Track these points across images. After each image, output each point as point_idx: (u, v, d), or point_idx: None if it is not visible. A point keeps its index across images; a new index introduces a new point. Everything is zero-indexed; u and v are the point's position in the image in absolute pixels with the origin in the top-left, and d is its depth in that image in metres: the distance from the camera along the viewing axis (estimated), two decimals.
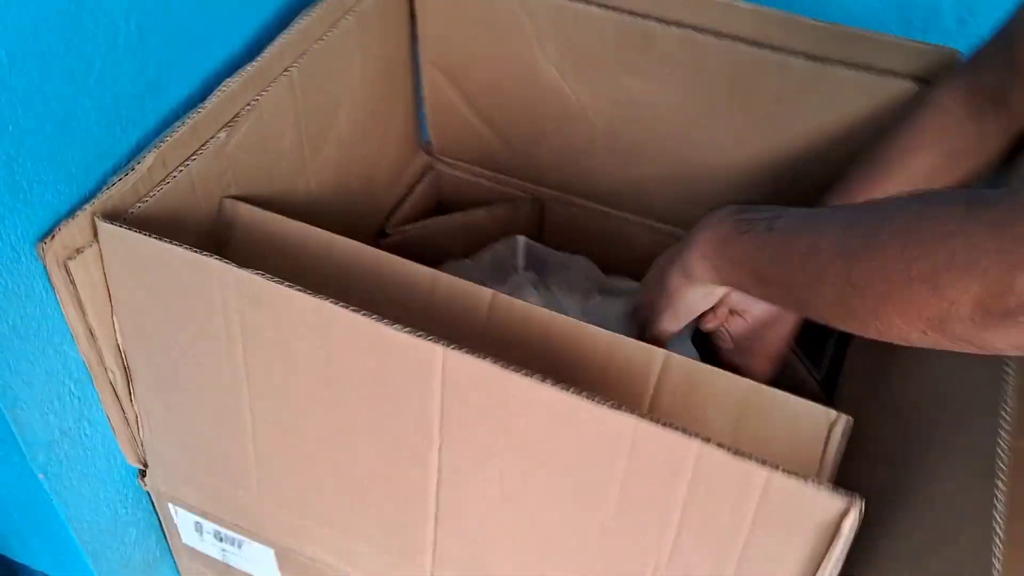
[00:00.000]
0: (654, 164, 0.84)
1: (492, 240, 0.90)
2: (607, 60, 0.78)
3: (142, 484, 0.68)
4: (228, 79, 0.61)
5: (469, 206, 0.91)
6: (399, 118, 0.87)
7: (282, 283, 0.48)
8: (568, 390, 0.44)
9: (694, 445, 0.43)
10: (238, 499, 0.62)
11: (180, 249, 0.50)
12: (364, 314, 0.47)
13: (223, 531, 0.67)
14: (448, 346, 0.46)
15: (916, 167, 0.66)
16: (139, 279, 0.54)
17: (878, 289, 0.43)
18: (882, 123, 0.71)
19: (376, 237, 0.84)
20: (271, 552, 0.66)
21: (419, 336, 0.46)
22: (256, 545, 0.66)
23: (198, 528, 0.68)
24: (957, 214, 0.41)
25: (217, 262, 0.50)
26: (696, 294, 0.61)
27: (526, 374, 0.45)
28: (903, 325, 0.43)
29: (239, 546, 0.67)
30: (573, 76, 0.81)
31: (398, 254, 0.84)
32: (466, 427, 0.49)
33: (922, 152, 0.66)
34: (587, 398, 0.44)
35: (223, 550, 0.69)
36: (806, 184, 0.77)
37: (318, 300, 0.48)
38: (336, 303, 0.47)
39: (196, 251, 0.50)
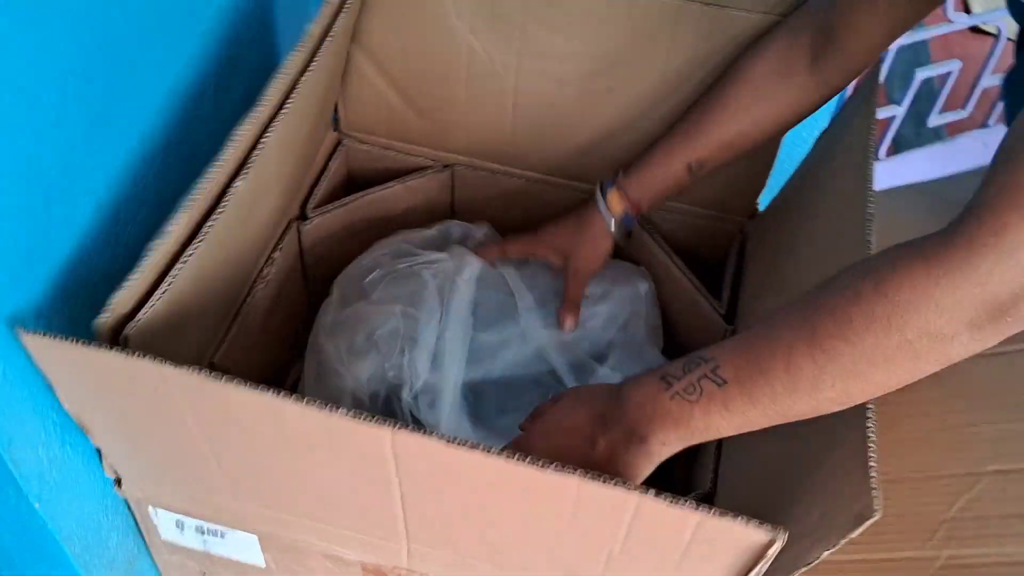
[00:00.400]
0: (561, 120, 0.90)
1: (408, 211, 0.95)
2: (516, 14, 0.83)
3: (119, 492, 0.71)
4: None
5: (380, 180, 0.94)
6: None
7: (219, 379, 0.50)
8: (512, 459, 0.47)
9: (633, 497, 0.48)
10: (216, 502, 0.67)
11: (120, 356, 0.51)
12: (309, 403, 0.49)
13: (205, 525, 0.72)
14: (395, 427, 0.49)
15: (723, 132, 0.78)
16: (82, 381, 0.57)
17: (882, 368, 0.48)
18: None
19: (298, 222, 0.87)
20: (254, 538, 0.71)
21: (366, 421, 0.49)
22: (239, 533, 0.71)
23: (179, 525, 0.73)
24: (919, 272, 0.45)
25: (153, 364, 0.51)
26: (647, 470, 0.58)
27: (472, 447, 0.48)
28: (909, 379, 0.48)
29: (222, 536, 0.72)
30: (484, 33, 0.85)
31: (319, 238, 0.89)
32: (423, 494, 0.54)
33: (730, 121, 0.77)
34: (530, 465, 0.47)
35: (205, 541, 0.73)
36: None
37: (259, 395, 0.50)
38: (278, 394, 0.49)
39: (129, 354, 0.51)
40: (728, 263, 0.91)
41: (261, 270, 0.81)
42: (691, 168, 0.80)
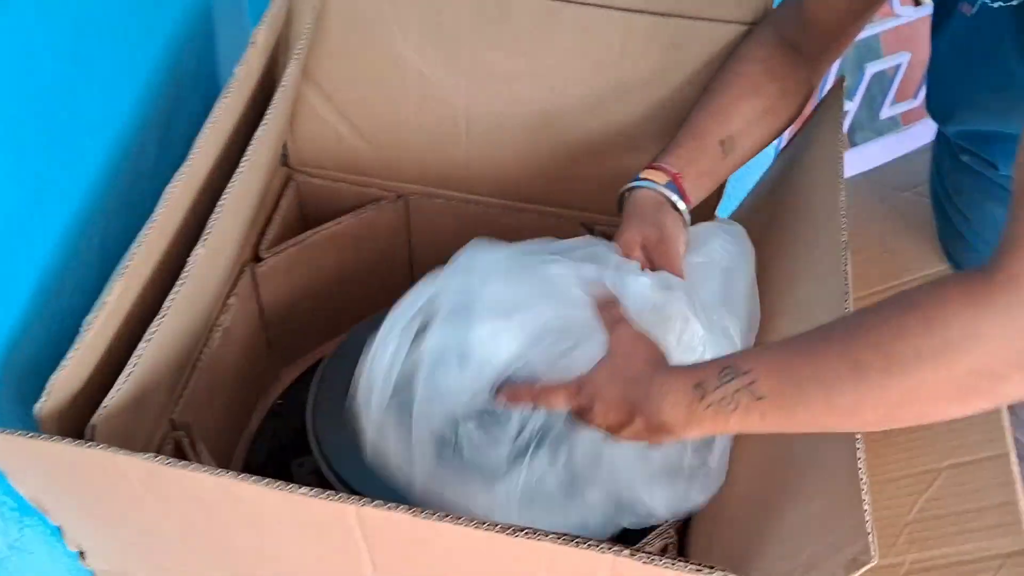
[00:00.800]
0: (515, 141, 0.88)
1: (364, 243, 0.93)
2: (465, 36, 0.82)
3: (83, 564, 0.69)
4: None
5: (333, 214, 0.92)
6: None
7: (175, 464, 0.49)
8: (481, 527, 0.47)
9: (608, 558, 0.47)
10: (184, 573, 0.65)
11: (71, 447, 0.50)
12: (268, 484, 0.48)
13: None
14: (359, 503, 0.47)
15: (748, 108, 0.76)
16: (34, 470, 0.55)
17: (924, 395, 0.47)
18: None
19: (252, 264, 0.85)
20: None
21: (330, 499, 0.48)
22: None
23: None
24: (965, 310, 0.45)
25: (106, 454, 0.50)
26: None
27: (439, 517, 0.47)
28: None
29: None
30: (433, 57, 0.84)
31: (275, 279, 0.88)
32: (394, 563, 0.54)
33: (752, 96, 0.76)
34: (500, 531, 0.47)
35: None
36: (654, 130, 0.84)
37: (217, 478, 0.48)
38: (236, 476, 0.48)
39: (79, 445, 0.50)
40: None
41: (216, 317, 0.80)
42: (723, 144, 0.75)
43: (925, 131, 1.66)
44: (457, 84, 0.85)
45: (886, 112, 1.67)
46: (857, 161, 1.59)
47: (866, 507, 0.47)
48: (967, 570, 0.62)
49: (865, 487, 0.48)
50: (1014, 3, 0.58)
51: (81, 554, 0.69)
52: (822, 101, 0.79)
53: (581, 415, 0.61)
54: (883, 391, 0.48)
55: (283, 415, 0.92)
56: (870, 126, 1.74)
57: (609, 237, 0.90)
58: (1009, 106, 0.61)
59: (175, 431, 0.73)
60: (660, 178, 0.73)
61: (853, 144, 1.70)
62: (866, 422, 0.50)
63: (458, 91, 0.86)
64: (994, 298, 0.44)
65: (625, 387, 0.59)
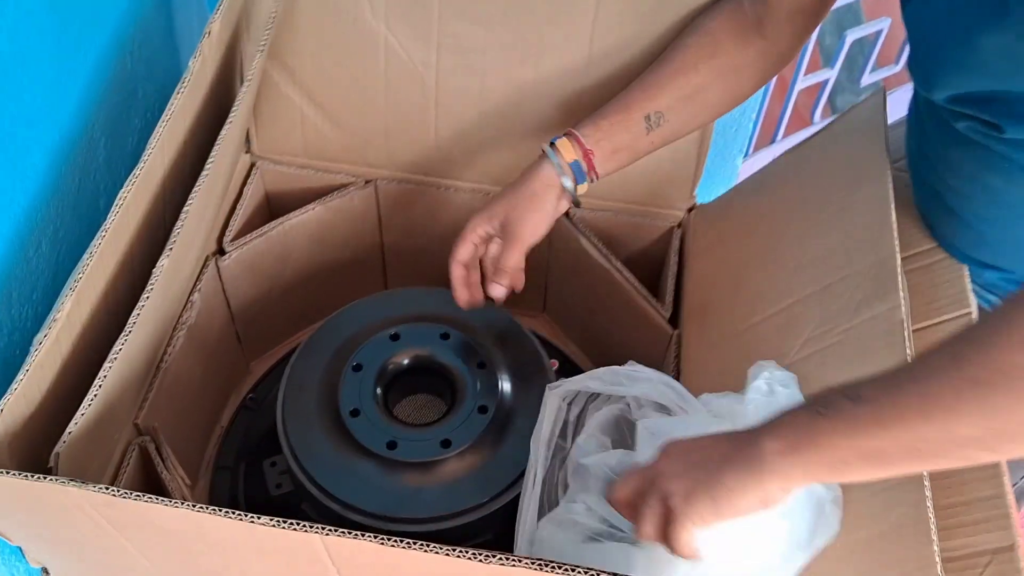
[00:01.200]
0: (486, 120, 0.85)
1: (332, 231, 0.90)
2: (435, 6, 0.78)
3: None
4: None
5: (299, 202, 0.89)
6: None
7: (130, 496, 0.47)
8: (449, 553, 0.45)
9: None
10: None
11: (22, 481, 0.48)
12: (228, 514, 0.46)
13: None
14: (324, 533, 0.46)
15: (683, 83, 0.75)
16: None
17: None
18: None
19: (216, 257, 0.82)
20: None
21: (294, 529, 0.46)
22: None
23: None
24: None
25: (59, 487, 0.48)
26: (755, 499, 0.50)
27: (406, 546, 0.45)
28: None
29: None
30: (401, 28, 0.80)
31: (240, 271, 0.85)
32: None
33: (690, 71, 0.75)
34: (459, 555, 0.45)
35: None
36: None
37: (175, 510, 0.46)
38: (193, 507, 0.46)
39: (29, 478, 0.48)
40: (668, 262, 0.88)
41: (180, 315, 0.77)
42: (649, 119, 0.74)
43: (905, 95, 1.64)
44: (427, 59, 0.82)
45: (867, 79, 1.64)
46: None
47: None
48: (953, 567, 0.61)
49: None
50: None
51: (44, 570, 0.67)
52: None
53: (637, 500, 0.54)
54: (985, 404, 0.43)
55: (254, 410, 0.90)
56: (851, 88, 1.72)
57: (589, 220, 0.89)
58: (1009, 57, 0.57)
59: (140, 436, 0.70)
60: (568, 153, 0.74)
61: (835, 109, 1.67)
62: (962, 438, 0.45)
63: (428, 66, 0.82)
64: None
65: (692, 457, 0.53)
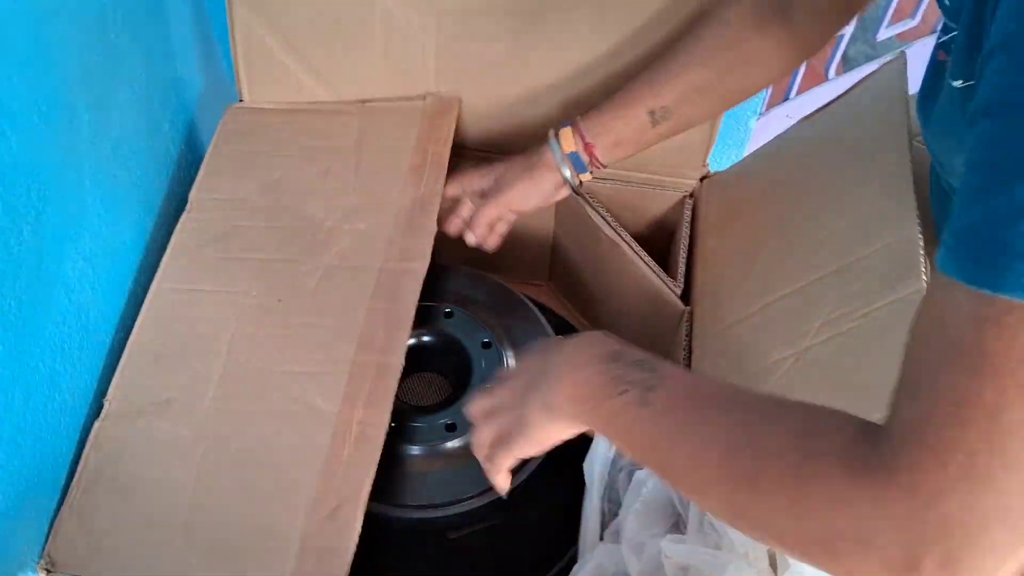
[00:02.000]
0: (488, 87, 0.83)
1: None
2: None
3: None
4: None
5: None
6: None
7: None
8: None
9: None
10: None
11: None
12: None
13: None
14: None
15: (692, 78, 0.72)
16: None
17: (770, 531, 0.41)
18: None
19: None
20: None
21: None
22: None
23: None
24: (837, 479, 0.37)
25: None
26: (557, 428, 0.56)
27: None
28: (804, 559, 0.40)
29: None
30: None
31: None
32: None
33: (699, 65, 0.71)
34: None
35: None
36: (633, 65, 0.79)
37: None
38: None
39: None
40: (678, 234, 0.85)
41: None
42: (653, 115, 0.72)
43: (924, 50, 1.59)
44: (426, 24, 0.79)
45: (883, 33, 1.59)
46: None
47: None
48: None
49: None
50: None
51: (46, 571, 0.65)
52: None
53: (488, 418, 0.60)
54: (741, 495, 0.42)
55: None
56: (863, 38, 1.67)
57: (595, 190, 0.86)
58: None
59: None
60: (568, 144, 0.75)
61: (847, 60, 1.62)
62: (710, 500, 0.45)
63: (428, 33, 0.79)
64: (869, 483, 0.36)
65: (531, 366, 0.58)
